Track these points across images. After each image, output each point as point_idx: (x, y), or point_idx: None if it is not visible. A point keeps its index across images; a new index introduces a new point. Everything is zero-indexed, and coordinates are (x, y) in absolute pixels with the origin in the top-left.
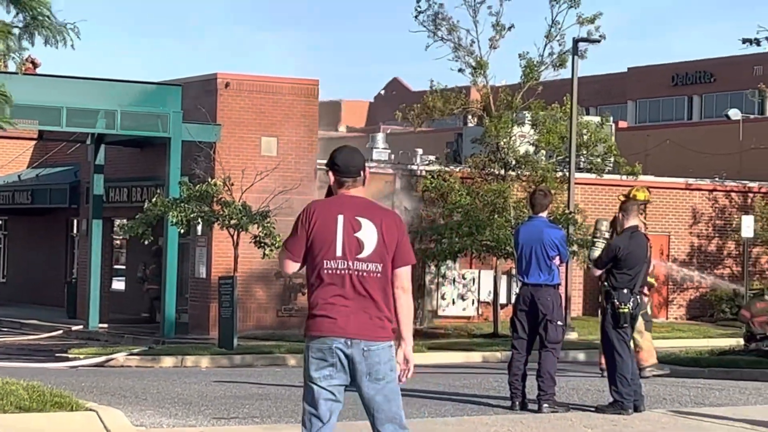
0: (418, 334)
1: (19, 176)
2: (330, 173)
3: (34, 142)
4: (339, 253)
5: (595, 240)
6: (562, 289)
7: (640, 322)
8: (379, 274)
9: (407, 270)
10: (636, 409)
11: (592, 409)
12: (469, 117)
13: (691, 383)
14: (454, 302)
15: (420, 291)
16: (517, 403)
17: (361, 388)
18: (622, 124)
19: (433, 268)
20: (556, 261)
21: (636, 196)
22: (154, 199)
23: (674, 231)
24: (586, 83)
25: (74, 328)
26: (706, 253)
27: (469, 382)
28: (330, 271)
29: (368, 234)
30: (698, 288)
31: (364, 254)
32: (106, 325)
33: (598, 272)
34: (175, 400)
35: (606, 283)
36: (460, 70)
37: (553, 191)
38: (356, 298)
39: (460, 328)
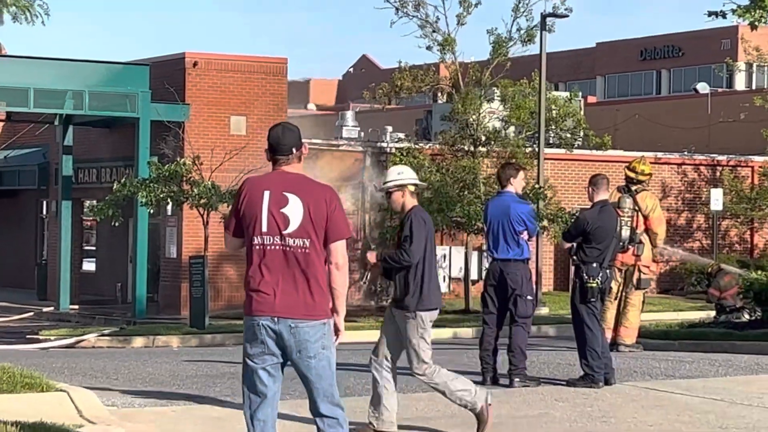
0: None
1: None
2: (265, 151)
3: (1, 124)
4: (265, 228)
5: (620, 217)
6: (532, 264)
7: (638, 298)
8: (306, 250)
9: (341, 245)
10: (607, 383)
11: (564, 382)
12: (439, 94)
13: (662, 356)
14: None
15: None
16: (489, 377)
17: (293, 364)
18: (591, 99)
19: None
20: (524, 236)
21: (644, 170)
22: (122, 180)
23: None
24: (555, 59)
25: (45, 309)
26: (676, 227)
27: (441, 359)
28: (258, 247)
29: (294, 209)
30: (668, 262)
31: (290, 229)
32: (77, 307)
33: (567, 245)
34: (146, 379)
35: (575, 257)
36: (428, 48)
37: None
38: (284, 274)
39: None
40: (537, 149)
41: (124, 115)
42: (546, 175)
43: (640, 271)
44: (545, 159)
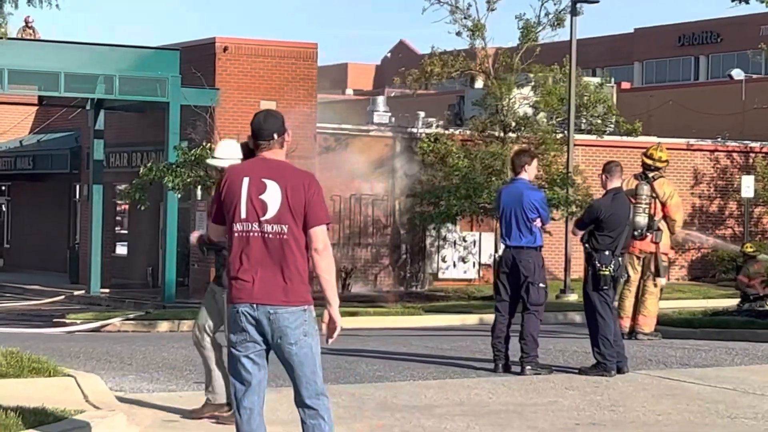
0: (417, 297)
1: (20, 142)
2: (248, 137)
3: (35, 108)
4: (243, 214)
5: (637, 204)
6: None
7: (655, 287)
8: (284, 236)
9: (321, 230)
10: (619, 371)
11: (576, 371)
12: (477, 79)
13: (679, 344)
14: (455, 265)
15: (420, 254)
16: (500, 365)
17: (275, 352)
18: (625, 85)
19: (433, 231)
20: (537, 223)
21: (661, 157)
22: (149, 165)
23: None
24: (592, 44)
25: (76, 293)
26: (708, 214)
27: (457, 345)
28: (237, 234)
29: (272, 195)
30: (700, 249)
31: (268, 216)
32: (107, 290)
33: (580, 234)
34: (159, 365)
35: (587, 245)
36: (457, 33)
37: (553, 153)
38: (263, 261)
39: (461, 291)
40: (567, 135)
41: (154, 100)
42: (576, 161)
43: (658, 258)
44: (576, 145)
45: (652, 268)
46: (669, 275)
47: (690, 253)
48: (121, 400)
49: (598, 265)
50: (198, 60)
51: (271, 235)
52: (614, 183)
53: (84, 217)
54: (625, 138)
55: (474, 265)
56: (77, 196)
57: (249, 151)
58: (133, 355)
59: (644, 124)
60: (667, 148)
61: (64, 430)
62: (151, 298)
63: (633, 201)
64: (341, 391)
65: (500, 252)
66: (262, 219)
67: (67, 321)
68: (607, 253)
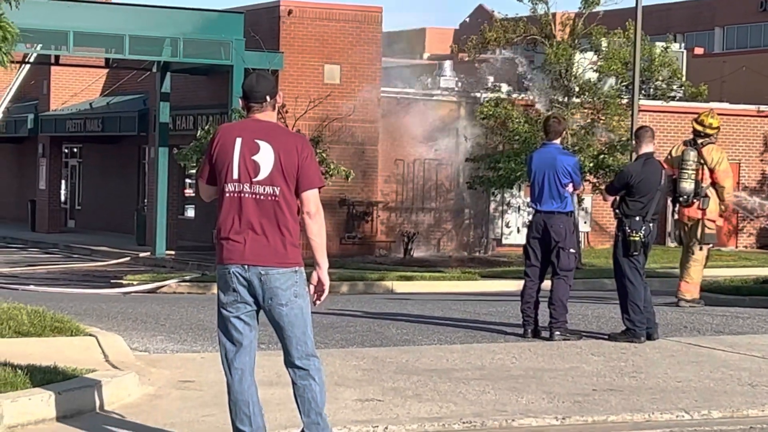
0: (479, 262)
1: (90, 104)
2: (240, 99)
3: (106, 71)
4: (236, 175)
5: (683, 170)
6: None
7: (701, 253)
8: (276, 198)
9: (313, 193)
10: (649, 337)
11: (605, 336)
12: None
13: (720, 311)
14: (518, 230)
15: (484, 219)
16: (529, 330)
17: (265, 312)
18: (698, 50)
19: (497, 196)
20: (570, 188)
21: (712, 123)
22: (206, 127)
23: (744, 158)
24: (674, 9)
25: (141, 255)
26: None
27: (495, 310)
28: (229, 194)
29: (265, 157)
30: None
31: (260, 177)
32: (173, 252)
33: (610, 199)
34: (192, 326)
35: (618, 211)
36: None
37: (617, 118)
38: (255, 222)
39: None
40: (632, 100)
41: (218, 63)
42: None
43: (704, 225)
44: (641, 110)
45: (698, 235)
46: (718, 242)
47: (759, 221)
48: (142, 360)
49: (629, 230)
50: (262, 23)
51: (262, 197)
52: (645, 148)
53: (151, 179)
54: (692, 104)
55: None
56: (146, 159)
57: None
58: (170, 316)
59: (717, 90)
60: (737, 114)
61: (72, 388)
62: (214, 261)
63: (679, 167)
64: (365, 354)
65: (531, 216)
66: (254, 180)
67: (124, 282)
68: (637, 218)
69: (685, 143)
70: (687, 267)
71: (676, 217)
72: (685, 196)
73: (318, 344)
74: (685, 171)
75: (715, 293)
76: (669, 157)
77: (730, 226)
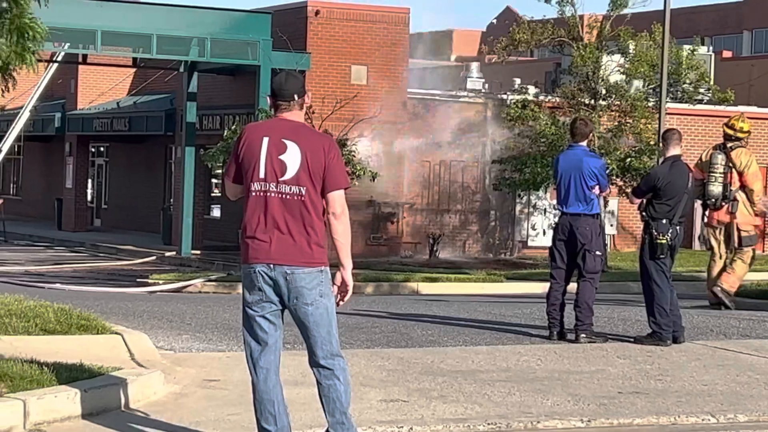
0: (505, 264)
1: (117, 103)
2: (268, 97)
3: (133, 70)
4: (262, 174)
5: (711, 174)
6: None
7: (747, 254)
8: (302, 198)
9: (339, 194)
10: (675, 340)
11: (631, 339)
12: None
13: (746, 315)
14: (544, 233)
15: (510, 221)
16: (555, 332)
17: (290, 312)
18: (726, 53)
19: (523, 198)
20: (596, 190)
21: (743, 128)
22: (233, 127)
23: None
24: (700, 12)
25: (167, 254)
26: None
27: (520, 312)
28: (255, 193)
29: (292, 156)
30: None
31: (287, 176)
32: (198, 252)
33: (637, 201)
34: (217, 325)
35: (645, 213)
36: (546, 0)
37: (644, 120)
38: (281, 221)
39: None
40: (659, 103)
41: (245, 63)
42: None
43: (739, 230)
44: (669, 113)
45: (735, 240)
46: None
47: None
48: (168, 358)
49: (655, 233)
50: (289, 24)
51: (288, 196)
52: (672, 151)
53: (177, 179)
54: (721, 107)
55: None
56: (172, 158)
57: None
58: (195, 315)
59: (745, 93)
60: (766, 118)
61: (98, 386)
62: (240, 261)
63: (708, 170)
64: (390, 354)
65: (557, 219)
66: (280, 179)
67: (150, 281)
68: (664, 221)
69: (715, 147)
70: (732, 261)
71: (705, 220)
72: (713, 200)
73: (343, 345)
74: (713, 174)
75: (741, 297)
76: (699, 161)
77: (758, 230)
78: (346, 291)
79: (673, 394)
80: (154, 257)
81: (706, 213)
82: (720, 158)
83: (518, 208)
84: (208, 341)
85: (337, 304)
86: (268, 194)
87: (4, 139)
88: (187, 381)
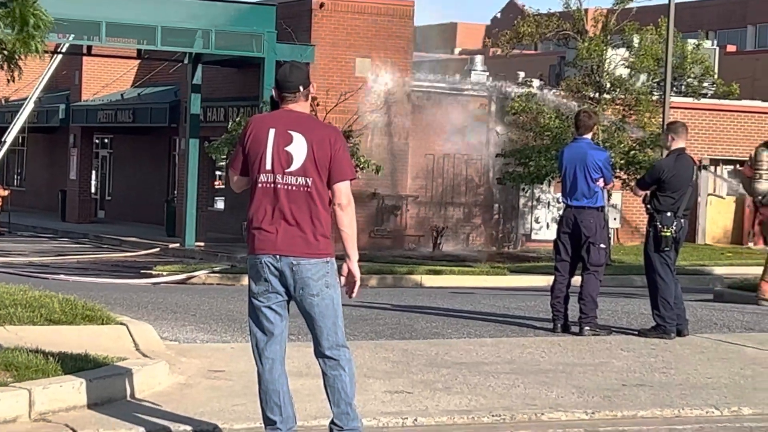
0: (508, 258)
1: (121, 95)
2: (273, 89)
3: (138, 62)
4: (268, 166)
5: (757, 170)
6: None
7: None
8: (308, 189)
9: (345, 185)
10: (679, 333)
11: (635, 332)
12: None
13: (750, 309)
14: (548, 226)
15: (513, 214)
16: (559, 325)
17: (296, 302)
18: (731, 48)
19: (527, 192)
20: (600, 183)
21: None
22: (237, 119)
23: None
24: (704, 7)
25: (171, 246)
26: None
27: (524, 305)
28: (261, 185)
29: (298, 148)
30: None
31: (293, 168)
32: (202, 244)
33: (642, 193)
34: (221, 317)
35: (649, 206)
36: None
37: (648, 114)
38: (286, 213)
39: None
40: (663, 97)
41: (249, 55)
42: None
43: None
44: (673, 107)
45: None
46: None
47: None
48: (172, 349)
49: (660, 226)
50: (294, 16)
51: (294, 188)
52: (678, 143)
53: (181, 170)
54: (726, 102)
55: None
56: (176, 150)
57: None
58: (200, 307)
59: (749, 87)
60: None
61: (103, 376)
62: (243, 253)
63: (753, 167)
64: (394, 346)
65: (561, 212)
66: (286, 171)
67: (154, 272)
68: (668, 214)
69: (761, 145)
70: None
71: (760, 218)
72: (760, 197)
73: (348, 336)
74: (758, 171)
75: (744, 291)
76: (749, 159)
77: None
78: (354, 282)
79: (676, 387)
80: (157, 249)
81: (759, 210)
82: (765, 155)
83: (522, 201)
84: (212, 332)
85: (349, 296)
86: (275, 185)
87: (8, 130)
88: (191, 371)
